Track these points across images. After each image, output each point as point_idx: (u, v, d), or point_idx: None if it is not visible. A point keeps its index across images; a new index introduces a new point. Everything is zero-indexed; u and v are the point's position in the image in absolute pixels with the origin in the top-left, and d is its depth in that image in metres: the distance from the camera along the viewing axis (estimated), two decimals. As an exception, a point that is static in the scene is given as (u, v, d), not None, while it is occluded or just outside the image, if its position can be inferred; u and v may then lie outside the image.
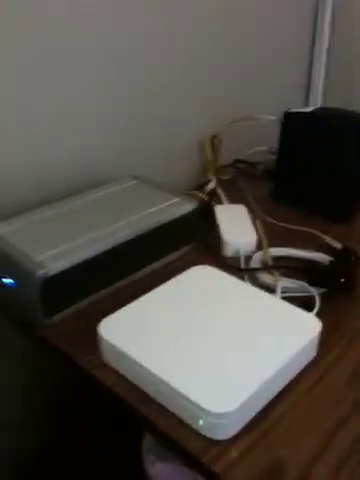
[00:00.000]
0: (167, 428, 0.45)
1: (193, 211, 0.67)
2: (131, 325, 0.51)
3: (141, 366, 0.47)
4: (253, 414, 0.45)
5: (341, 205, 0.77)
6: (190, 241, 0.69)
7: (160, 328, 0.51)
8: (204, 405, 0.42)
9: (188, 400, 0.43)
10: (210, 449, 0.43)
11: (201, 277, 0.58)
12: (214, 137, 0.86)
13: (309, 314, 0.52)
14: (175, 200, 0.67)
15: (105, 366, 0.51)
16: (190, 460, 0.43)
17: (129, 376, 0.49)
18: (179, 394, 0.44)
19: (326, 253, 0.65)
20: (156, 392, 0.47)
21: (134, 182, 0.72)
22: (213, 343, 0.49)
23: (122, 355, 0.48)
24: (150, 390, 0.47)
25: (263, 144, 0.87)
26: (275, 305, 0.54)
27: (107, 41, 0.70)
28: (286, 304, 0.54)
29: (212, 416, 0.42)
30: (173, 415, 0.45)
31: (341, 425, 0.45)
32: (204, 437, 0.44)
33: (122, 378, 0.49)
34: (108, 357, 0.51)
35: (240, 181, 0.85)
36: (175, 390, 0.44)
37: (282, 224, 0.74)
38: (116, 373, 0.50)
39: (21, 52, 0.62)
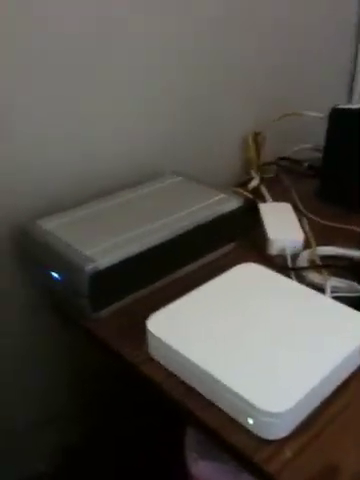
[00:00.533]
0: (217, 425, 0.44)
1: (238, 208, 0.66)
2: (179, 321, 0.51)
3: (191, 362, 0.46)
4: (305, 415, 0.44)
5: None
6: (235, 239, 0.69)
7: (209, 324, 0.50)
8: (257, 404, 0.42)
9: (240, 398, 0.43)
10: (262, 449, 0.42)
11: (248, 274, 0.57)
12: (257, 134, 0.85)
13: (357, 314, 0.51)
14: (221, 197, 0.66)
15: (152, 361, 0.51)
16: (241, 459, 0.42)
17: (177, 372, 0.49)
18: (230, 391, 0.43)
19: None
20: (206, 389, 0.46)
21: (179, 179, 0.72)
22: (263, 341, 0.48)
23: (171, 350, 0.48)
24: (199, 386, 0.47)
25: (308, 142, 0.86)
26: (325, 304, 0.53)
27: (155, 41, 0.70)
28: (337, 303, 0.52)
29: (265, 415, 0.41)
30: (223, 412, 0.45)
31: None
32: (255, 436, 0.43)
33: (170, 374, 0.49)
34: (156, 352, 0.51)
35: (284, 179, 0.84)
36: (226, 387, 0.43)
37: (328, 223, 0.72)
38: (164, 369, 0.50)
39: (68, 53, 0.62)
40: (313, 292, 0.54)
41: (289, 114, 0.81)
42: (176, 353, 0.47)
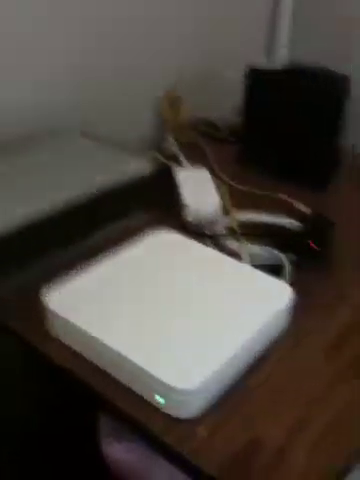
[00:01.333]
0: (126, 406, 0.40)
1: (151, 173, 0.61)
2: (82, 296, 0.46)
3: (96, 340, 0.41)
4: (221, 389, 0.41)
5: (314, 171, 0.73)
6: (148, 206, 0.64)
7: (115, 298, 0.45)
8: (166, 381, 0.38)
9: (148, 375, 0.38)
10: (174, 429, 0.38)
11: (161, 242, 0.53)
12: (172, 94, 0.80)
13: (279, 281, 0.48)
14: (131, 161, 0.61)
15: (54, 341, 0.45)
16: (153, 442, 0.39)
17: (82, 351, 0.44)
18: (138, 369, 0.39)
19: (296, 219, 0.61)
20: (113, 368, 0.42)
21: (87, 141, 0.65)
22: (175, 313, 0.44)
23: (73, 328, 0.43)
24: (106, 366, 0.42)
25: (229, 104, 0.82)
26: (242, 271, 0.50)
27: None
28: (255, 270, 0.50)
29: (176, 393, 0.38)
30: (133, 393, 0.41)
31: (318, 399, 0.42)
32: (167, 416, 0.39)
33: (75, 354, 0.44)
34: (58, 331, 0.45)
35: (202, 144, 0.80)
36: (133, 364, 0.39)
37: (248, 189, 0.69)
38: (68, 349, 0.44)
39: None
40: (230, 259, 0.51)
41: (199, 73, 0.77)
42: (79, 330, 0.42)
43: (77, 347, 0.44)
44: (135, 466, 0.52)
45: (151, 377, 0.38)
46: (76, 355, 0.44)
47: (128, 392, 0.41)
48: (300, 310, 0.48)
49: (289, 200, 0.66)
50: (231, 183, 0.70)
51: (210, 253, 0.52)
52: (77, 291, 0.46)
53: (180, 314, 0.44)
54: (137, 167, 0.60)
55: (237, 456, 0.37)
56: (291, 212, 0.63)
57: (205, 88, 0.81)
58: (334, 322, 0.49)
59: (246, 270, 0.50)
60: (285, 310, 0.46)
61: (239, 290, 0.47)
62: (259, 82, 0.72)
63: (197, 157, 0.75)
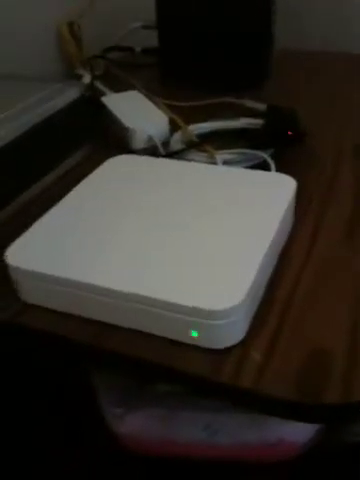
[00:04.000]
0: (152, 356, 0.31)
1: (80, 98, 0.51)
2: (53, 243, 0.35)
3: (91, 285, 0.32)
4: (257, 304, 0.34)
5: (248, 68, 0.66)
6: (85, 140, 0.54)
7: (95, 232, 0.36)
8: (199, 305, 0.30)
9: (174, 307, 0.30)
10: (223, 363, 0.31)
11: (125, 166, 0.44)
12: (72, 24, 0.69)
13: (276, 173, 0.42)
14: (53, 88, 0.50)
15: (30, 308, 0.35)
16: (204, 387, 0.31)
17: (73, 308, 0.34)
18: (158, 304, 0.30)
19: (254, 117, 0.54)
20: (121, 314, 0.32)
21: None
22: (175, 235, 0.35)
23: (56, 281, 0.33)
24: (111, 315, 0.33)
25: (137, 20, 0.72)
26: (232, 174, 0.42)
27: None
28: (244, 170, 0.42)
29: (214, 316, 0.30)
30: (154, 338, 0.32)
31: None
32: (210, 351, 0.31)
33: (62, 315, 0.34)
34: (32, 294, 0.35)
35: (118, 71, 0.70)
36: (151, 300, 0.30)
37: (188, 104, 0.61)
38: (51, 312, 0.35)
39: None
40: (211, 166, 0.43)
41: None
42: (61, 282, 0.33)
43: (61, 306, 0.34)
44: (159, 433, 0.44)
45: (179, 308, 0.30)
46: (65, 316, 0.34)
47: (150, 339, 0.32)
48: (299, 203, 0.42)
49: (238, 101, 0.59)
50: (166, 102, 0.62)
51: (187, 165, 0.43)
52: (46, 238, 0.36)
53: (183, 235, 0.35)
54: (62, 94, 0.50)
55: (306, 371, 0.30)
56: (244, 113, 0.56)
57: (107, 10, 0.70)
58: (336, 200, 0.44)
59: (235, 171, 0.42)
60: (292, 202, 0.39)
61: (238, 193, 0.39)
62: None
63: (117, 86, 0.65)
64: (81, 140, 0.53)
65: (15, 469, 0.53)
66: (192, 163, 0.44)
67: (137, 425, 0.45)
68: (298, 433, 0.45)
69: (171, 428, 0.43)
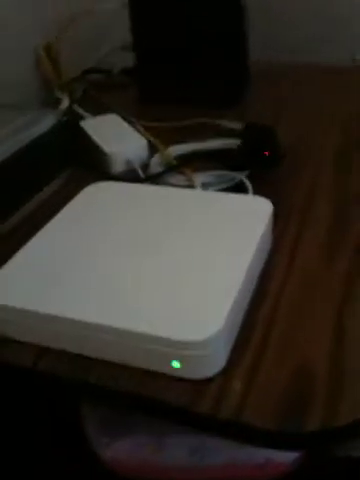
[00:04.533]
0: (132, 388, 0.31)
1: (58, 124, 0.51)
2: (29, 274, 0.35)
3: (73, 320, 0.32)
4: (237, 330, 0.34)
5: (225, 86, 0.66)
6: (63, 167, 0.54)
7: (71, 264, 0.36)
8: (177, 336, 0.30)
9: (154, 340, 0.30)
10: (204, 393, 0.31)
11: (102, 193, 0.44)
12: (49, 46, 0.69)
13: (251, 196, 0.42)
14: (29, 116, 0.51)
15: (8, 345, 0.35)
16: (183, 418, 0.31)
17: (54, 341, 0.34)
18: (139, 337, 0.30)
19: (230, 137, 0.54)
20: (103, 348, 0.32)
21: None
22: (151, 263, 0.35)
23: (39, 317, 0.33)
24: (92, 348, 0.33)
25: (113, 42, 0.72)
26: (208, 198, 0.42)
27: None
28: (220, 194, 0.43)
29: (194, 347, 0.30)
30: (135, 371, 0.32)
31: (345, 301, 0.36)
32: (190, 381, 0.31)
33: (44, 350, 0.34)
34: (9, 329, 0.35)
35: (96, 94, 0.70)
36: (131, 334, 0.31)
37: (163, 125, 0.62)
38: (31, 345, 0.35)
39: None
40: (188, 191, 0.44)
41: (79, 14, 0.67)
42: (38, 317, 0.33)
43: (38, 339, 0.34)
44: (146, 458, 0.44)
45: (159, 340, 0.30)
46: (46, 350, 0.34)
47: (132, 372, 0.32)
48: (277, 224, 0.43)
49: (214, 121, 0.59)
50: (142, 123, 0.62)
51: (164, 191, 0.44)
52: (21, 270, 0.36)
53: (159, 261, 0.35)
54: (39, 121, 0.50)
55: (287, 399, 0.30)
56: (221, 132, 0.57)
57: (85, 32, 0.71)
58: (314, 220, 0.45)
59: (211, 196, 0.43)
60: (269, 224, 0.40)
61: (215, 218, 0.39)
62: (143, 4, 0.63)
63: (96, 109, 0.66)
64: (61, 166, 0.53)
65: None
66: (169, 188, 0.44)
67: (124, 451, 0.45)
68: (285, 453, 0.45)
69: (158, 454, 0.43)
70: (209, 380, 0.31)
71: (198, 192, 0.44)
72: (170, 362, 0.31)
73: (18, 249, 0.38)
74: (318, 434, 0.29)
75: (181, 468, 0.43)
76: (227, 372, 0.32)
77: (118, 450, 0.45)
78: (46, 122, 0.51)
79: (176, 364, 0.31)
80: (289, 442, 0.30)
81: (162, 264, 0.35)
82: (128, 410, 0.43)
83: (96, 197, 0.43)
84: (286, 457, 0.45)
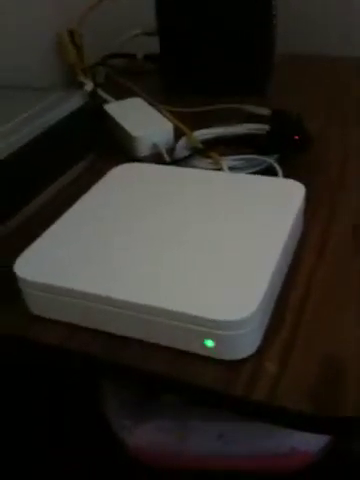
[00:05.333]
0: (163, 369, 0.31)
1: (82, 107, 0.51)
2: (61, 254, 0.35)
3: (104, 297, 0.31)
4: (270, 313, 0.34)
5: (250, 72, 0.65)
6: (89, 149, 0.53)
7: (104, 244, 0.35)
8: (213, 315, 0.29)
9: (187, 318, 0.29)
10: (238, 374, 0.30)
11: (131, 176, 0.43)
12: (73, 32, 0.68)
13: (285, 179, 0.41)
14: (56, 96, 0.50)
15: (40, 321, 0.35)
16: (216, 400, 0.30)
17: (83, 319, 0.33)
18: (172, 315, 0.30)
19: (259, 123, 0.54)
20: (133, 326, 0.32)
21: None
22: (183, 243, 0.35)
23: (69, 293, 0.32)
24: (122, 327, 0.32)
25: (136, 27, 0.72)
26: (240, 181, 0.41)
27: None
28: (252, 176, 0.42)
29: (229, 327, 0.29)
30: (166, 350, 0.32)
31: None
32: (222, 362, 0.31)
33: (72, 327, 0.34)
34: (42, 306, 0.34)
35: (119, 79, 0.70)
36: (165, 311, 0.30)
37: (190, 109, 0.61)
38: (60, 324, 0.34)
39: None
40: (219, 173, 0.43)
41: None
42: (72, 293, 0.32)
43: (70, 318, 0.34)
44: (171, 445, 0.44)
45: (193, 319, 0.29)
46: (75, 328, 0.34)
47: (163, 351, 0.32)
48: (307, 209, 0.42)
49: (240, 106, 0.58)
50: (169, 109, 0.61)
51: (192, 172, 0.43)
52: (54, 249, 0.35)
53: (191, 241, 0.35)
54: (66, 101, 0.49)
55: (320, 382, 0.29)
56: (248, 118, 0.56)
57: (109, 18, 0.70)
58: (345, 204, 0.44)
59: (242, 178, 0.42)
60: (301, 208, 0.39)
61: (247, 199, 0.38)
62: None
63: (119, 93, 0.65)
64: (85, 149, 0.53)
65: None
66: (198, 170, 0.43)
67: (147, 438, 0.44)
68: (311, 442, 0.44)
69: (183, 440, 0.42)
70: (243, 361, 0.30)
71: (229, 174, 0.43)
72: (203, 341, 0.30)
73: (44, 230, 0.38)
74: (352, 420, 0.29)
75: (208, 455, 0.42)
76: (261, 354, 0.31)
77: (142, 436, 0.44)
78: (70, 104, 0.50)
79: (209, 343, 0.30)
80: (323, 426, 0.29)
81: (195, 244, 0.34)
82: (151, 392, 0.43)
83: (123, 178, 0.43)
84: (311, 446, 0.44)
